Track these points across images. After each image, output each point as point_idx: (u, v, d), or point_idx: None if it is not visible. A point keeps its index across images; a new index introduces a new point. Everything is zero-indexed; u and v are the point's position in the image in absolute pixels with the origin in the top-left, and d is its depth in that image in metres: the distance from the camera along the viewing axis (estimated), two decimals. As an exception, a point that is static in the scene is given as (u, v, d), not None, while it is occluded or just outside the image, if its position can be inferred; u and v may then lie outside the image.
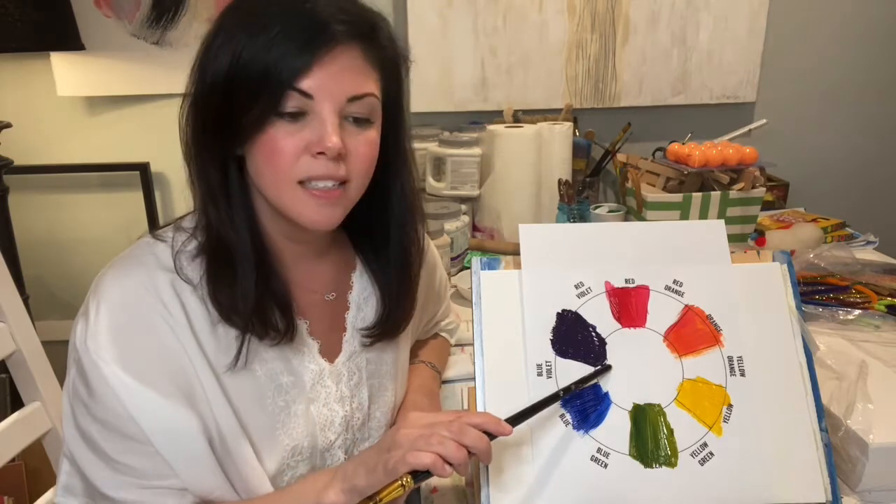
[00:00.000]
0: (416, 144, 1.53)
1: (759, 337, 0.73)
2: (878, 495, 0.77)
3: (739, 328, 0.73)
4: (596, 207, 1.51)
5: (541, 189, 1.53)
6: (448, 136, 1.54)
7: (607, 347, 0.72)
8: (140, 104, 1.74)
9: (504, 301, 0.74)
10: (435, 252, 0.94)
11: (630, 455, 0.68)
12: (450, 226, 1.38)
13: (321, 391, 0.73)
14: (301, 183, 0.64)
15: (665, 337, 0.73)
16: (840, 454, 0.78)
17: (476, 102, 1.76)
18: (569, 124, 1.55)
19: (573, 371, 0.71)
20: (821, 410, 0.70)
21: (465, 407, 0.93)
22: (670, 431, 0.69)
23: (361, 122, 0.65)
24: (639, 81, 1.77)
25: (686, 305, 0.74)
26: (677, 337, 0.73)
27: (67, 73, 1.68)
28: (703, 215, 1.37)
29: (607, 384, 0.71)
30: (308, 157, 0.63)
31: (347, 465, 0.63)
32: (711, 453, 0.68)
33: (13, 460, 1.34)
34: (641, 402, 0.70)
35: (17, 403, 0.92)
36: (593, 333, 0.73)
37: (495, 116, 1.71)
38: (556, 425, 0.69)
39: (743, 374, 0.71)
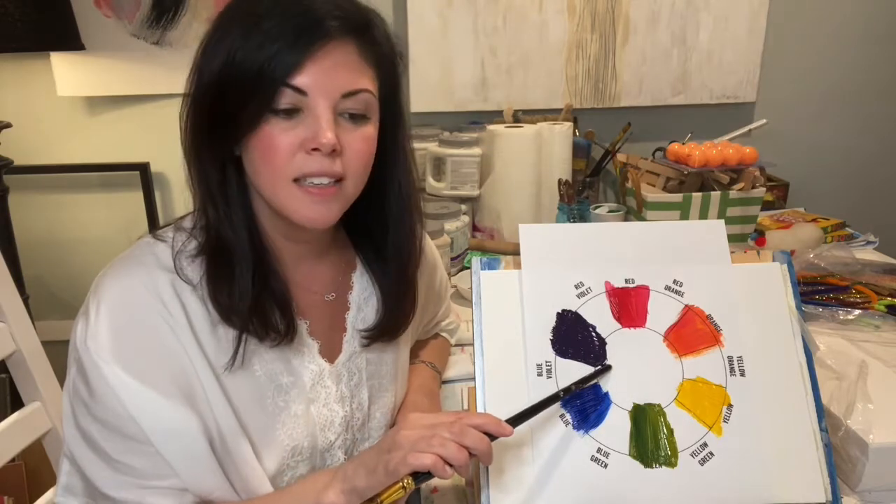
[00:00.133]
0: (416, 144, 1.53)
1: (759, 337, 0.73)
2: (878, 495, 0.77)
3: (739, 328, 0.73)
4: (596, 207, 1.51)
5: (541, 189, 1.53)
6: (448, 136, 1.54)
7: (607, 347, 0.72)
8: (140, 104, 1.74)
9: (504, 301, 0.74)
10: (435, 252, 0.94)
11: (630, 455, 0.68)
12: (450, 226, 1.38)
13: (321, 391, 0.73)
14: (297, 181, 0.64)
15: (665, 337, 0.73)
16: (840, 454, 0.78)
17: (476, 102, 1.76)
18: (569, 124, 1.55)
19: (573, 371, 0.71)
20: (821, 410, 0.70)
21: (465, 407, 0.93)
22: (670, 431, 0.69)
23: (357, 118, 0.65)
24: (639, 81, 1.77)
25: (686, 305, 0.74)
26: (677, 337, 0.73)
27: (67, 73, 1.68)
28: (703, 215, 1.37)
29: (607, 384, 0.71)
30: (303, 154, 0.63)
31: (347, 466, 0.63)
32: (711, 453, 0.68)
33: (13, 460, 1.34)
34: (641, 402, 0.70)
35: (17, 403, 0.92)
36: (593, 333, 0.73)
37: (495, 116, 1.71)
38: (556, 425, 0.69)
39: (743, 374, 0.71)
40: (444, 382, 1.00)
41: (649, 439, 0.68)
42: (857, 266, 1.20)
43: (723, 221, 0.78)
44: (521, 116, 1.69)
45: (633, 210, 1.47)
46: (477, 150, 1.50)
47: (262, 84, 0.61)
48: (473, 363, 0.73)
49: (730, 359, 0.72)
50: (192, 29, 1.66)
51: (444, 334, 1.05)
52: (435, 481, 0.79)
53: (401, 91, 0.72)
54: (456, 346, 1.08)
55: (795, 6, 1.78)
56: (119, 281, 0.64)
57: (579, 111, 1.77)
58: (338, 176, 0.65)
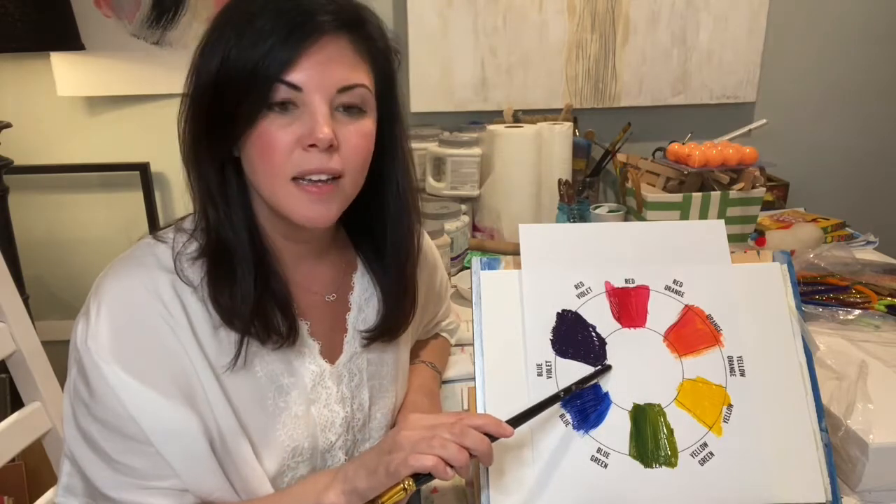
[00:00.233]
0: (416, 144, 1.53)
1: (759, 337, 0.73)
2: (878, 495, 0.77)
3: (739, 328, 0.73)
4: (596, 207, 1.51)
5: (541, 189, 1.53)
6: (448, 136, 1.54)
7: (607, 347, 0.72)
8: (140, 104, 1.74)
9: (504, 301, 0.74)
10: (436, 252, 0.94)
11: (630, 455, 0.68)
12: (450, 226, 1.38)
13: (322, 392, 0.73)
14: (295, 179, 0.63)
15: (665, 337, 0.73)
16: (840, 454, 0.78)
17: (476, 102, 1.76)
18: (569, 124, 1.55)
19: (573, 371, 0.71)
20: (821, 410, 0.70)
21: (465, 407, 0.93)
22: (670, 431, 0.69)
23: (354, 112, 0.65)
24: (639, 81, 1.77)
25: (686, 305, 0.74)
26: (677, 337, 0.73)
27: (67, 73, 1.68)
28: (703, 215, 1.37)
29: (607, 384, 0.71)
30: (301, 151, 0.62)
31: (348, 467, 0.63)
32: (711, 453, 0.68)
33: (13, 460, 1.34)
34: (641, 402, 0.70)
35: (17, 403, 0.92)
36: (593, 333, 0.73)
37: (495, 116, 1.71)
38: (556, 425, 0.69)
39: (743, 374, 0.71)
40: (444, 382, 1.00)
41: (649, 439, 0.68)
42: (857, 266, 1.20)
43: (723, 221, 0.78)
44: (521, 116, 1.69)
45: (633, 210, 1.47)
46: (477, 150, 1.50)
47: (257, 81, 0.61)
48: (473, 363, 0.73)
49: (730, 359, 0.72)
50: (192, 29, 1.66)
51: (444, 334, 1.05)
52: (435, 481, 0.79)
53: (397, 87, 0.72)
54: (456, 346, 1.08)
55: (795, 6, 1.78)
56: (119, 281, 0.64)
57: (579, 111, 1.77)
58: (336, 173, 0.64)
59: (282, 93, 0.61)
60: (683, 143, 1.46)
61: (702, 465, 0.68)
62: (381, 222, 0.75)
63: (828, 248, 1.25)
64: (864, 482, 0.76)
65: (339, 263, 0.78)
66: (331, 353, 0.75)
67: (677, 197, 1.38)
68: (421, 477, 0.57)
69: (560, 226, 0.81)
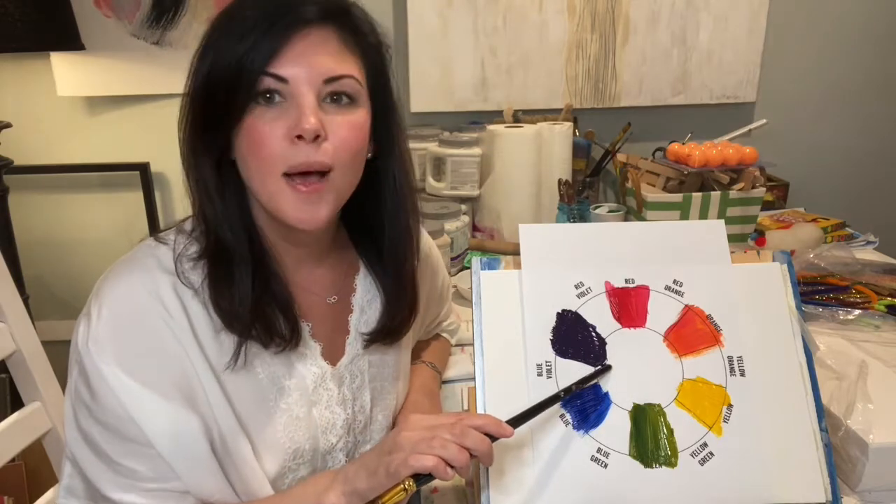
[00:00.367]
0: (416, 144, 1.53)
1: (759, 337, 0.73)
2: (878, 495, 0.77)
3: (739, 328, 0.73)
4: (596, 207, 1.51)
5: (541, 189, 1.53)
6: (448, 136, 1.54)
7: (607, 347, 0.72)
8: (140, 104, 1.74)
9: (504, 301, 0.74)
10: (437, 253, 0.94)
11: (630, 455, 0.68)
12: (450, 226, 1.38)
13: (323, 394, 0.73)
14: (286, 176, 0.63)
15: (665, 337, 0.73)
16: (840, 454, 0.78)
17: (476, 102, 1.76)
18: (569, 124, 1.55)
19: (573, 371, 0.71)
20: (821, 410, 0.70)
21: (465, 407, 0.93)
22: (670, 431, 0.69)
23: (343, 103, 0.64)
24: (639, 81, 1.77)
25: (686, 305, 0.74)
26: (677, 337, 0.73)
27: (67, 73, 1.68)
28: (703, 215, 1.37)
29: (607, 384, 0.71)
30: (289, 146, 0.62)
31: (348, 468, 0.63)
32: (711, 453, 0.68)
33: (13, 460, 1.34)
34: (641, 402, 0.70)
35: (17, 403, 0.92)
36: (593, 333, 0.73)
37: (495, 116, 1.71)
38: (556, 425, 0.69)
39: (743, 374, 0.71)
40: (444, 382, 1.00)
41: (649, 439, 0.68)
42: (857, 266, 1.20)
43: (723, 221, 0.78)
44: (521, 116, 1.69)
45: (633, 210, 1.47)
46: (477, 150, 1.50)
47: (243, 75, 0.61)
48: (473, 363, 0.73)
49: (730, 359, 0.72)
50: (192, 29, 1.66)
51: (444, 335, 1.05)
52: (435, 481, 0.79)
53: (390, 82, 0.71)
54: (456, 346, 1.08)
55: (795, 6, 1.78)
56: (120, 283, 0.64)
57: (579, 111, 1.77)
58: (324, 167, 0.63)
59: (267, 85, 0.61)
60: (683, 143, 1.46)
61: (702, 465, 0.68)
62: (378, 221, 0.75)
63: (828, 248, 1.25)
64: (864, 482, 0.76)
65: (340, 265, 0.78)
66: (332, 354, 0.75)
67: (677, 197, 1.38)
68: (421, 477, 0.57)
69: (560, 226, 0.81)
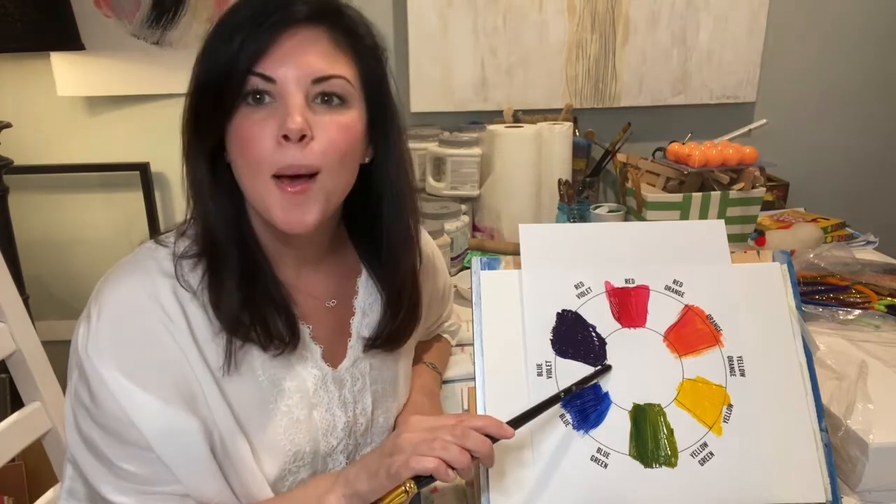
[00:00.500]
0: (416, 144, 1.53)
1: (759, 337, 0.73)
2: (878, 495, 0.77)
3: (739, 328, 0.73)
4: (596, 207, 1.51)
5: (541, 189, 1.53)
6: (448, 136, 1.54)
7: (607, 347, 0.72)
8: (140, 104, 1.74)
9: (504, 301, 0.74)
10: (439, 254, 0.94)
11: (630, 455, 0.68)
12: (450, 226, 1.38)
13: (324, 396, 0.73)
14: (275, 178, 0.62)
15: (665, 337, 0.73)
16: (840, 454, 0.78)
17: (476, 102, 1.76)
18: (569, 124, 1.55)
19: (573, 371, 0.71)
20: (821, 410, 0.70)
21: (465, 407, 0.93)
22: (670, 431, 0.69)
23: (333, 105, 0.64)
24: (639, 81, 1.77)
25: (686, 305, 0.74)
26: (677, 337, 0.73)
27: (67, 73, 1.68)
28: (703, 215, 1.37)
29: (607, 384, 0.71)
30: (277, 147, 0.61)
31: (349, 470, 0.62)
32: (711, 453, 0.68)
33: (13, 460, 1.34)
34: (641, 402, 0.70)
35: (17, 403, 0.92)
36: (593, 333, 0.73)
37: (495, 116, 1.71)
38: (556, 426, 0.69)
39: (743, 374, 0.71)
40: (445, 382, 1.00)
41: (649, 439, 0.68)
42: (857, 266, 1.20)
43: (723, 221, 0.78)
44: (521, 116, 1.69)
45: (633, 210, 1.47)
46: (477, 150, 1.50)
47: (231, 75, 0.60)
48: (473, 363, 0.72)
49: (730, 359, 0.72)
50: (192, 29, 1.66)
51: (445, 335, 1.05)
52: (435, 481, 0.79)
53: (387, 85, 0.70)
54: (456, 346, 1.08)
55: (795, 6, 1.78)
56: (120, 287, 0.64)
57: (579, 111, 1.77)
58: (311, 169, 0.62)
59: (255, 85, 0.61)
60: (683, 143, 1.46)
61: (702, 465, 0.68)
62: (378, 224, 0.74)
63: (828, 248, 1.25)
64: (864, 482, 0.76)
65: (341, 268, 0.78)
66: (333, 357, 0.75)
67: (677, 197, 1.38)
68: (422, 479, 0.57)
69: (560, 226, 0.81)
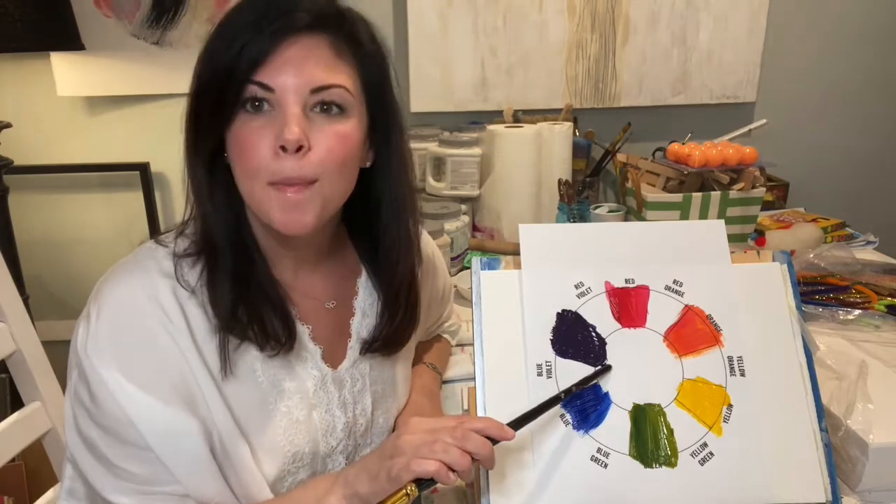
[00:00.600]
0: (416, 144, 1.53)
1: (759, 337, 0.73)
2: (878, 495, 0.77)
3: (739, 328, 0.73)
4: (596, 207, 1.51)
5: (541, 189, 1.53)
6: (448, 136, 1.54)
7: (607, 347, 0.72)
8: (140, 104, 1.74)
9: (504, 301, 0.74)
10: (439, 255, 0.94)
11: (630, 455, 0.68)
12: (450, 226, 1.38)
13: (323, 397, 0.73)
14: (272, 184, 0.62)
15: (665, 337, 0.73)
16: (840, 454, 0.78)
17: (476, 102, 1.75)
18: (569, 124, 1.55)
19: (573, 371, 0.71)
20: (821, 410, 0.70)
21: (465, 407, 0.93)
22: (670, 431, 0.69)
23: (332, 113, 0.63)
24: (639, 81, 1.77)
25: (686, 305, 0.74)
26: (677, 337, 0.73)
27: (67, 73, 1.68)
28: (703, 215, 1.37)
29: (607, 384, 0.71)
30: (274, 157, 0.61)
31: (349, 471, 0.62)
32: (711, 453, 0.68)
33: (13, 460, 1.34)
34: (641, 402, 0.70)
35: (17, 403, 0.92)
36: (593, 333, 0.73)
37: (495, 116, 1.71)
38: (556, 426, 0.69)
39: (743, 374, 0.71)
40: (444, 382, 1.00)
41: (649, 439, 0.68)
42: (857, 266, 1.20)
43: (723, 221, 0.78)
44: (521, 116, 1.69)
45: (633, 210, 1.47)
46: (477, 150, 1.50)
47: (231, 82, 0.60)
48: (473, 363, 0.72)
49: (730, 359, 0.72)
50: (192, 29, 1.66)
51: (445, 336, 1.05)
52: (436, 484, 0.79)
53: (390, 92, 0.69)
54: (456, 346, 1.08)
55: (795, 6, 1.78)
56: (119, 287, 0.64)
57: (579, 111, 1.77)
58: (308, 179, 0.62)
59: (253, 92, 0.61)
60: (683, 143, 1.46)
61: (702, 465, 0.68)
62: (378, 227, 0.74)
63: (828, 248, 1.25)
64: (864, 482, 0.76)
65: (341, 268, 0.78)
66: (333, 357, 0.75)
67: (677, 197, 1.38)
68: (423, 481, 0.57)
69: (560, 226, 0.81)
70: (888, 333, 1.05)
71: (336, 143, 0.63)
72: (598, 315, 0.74)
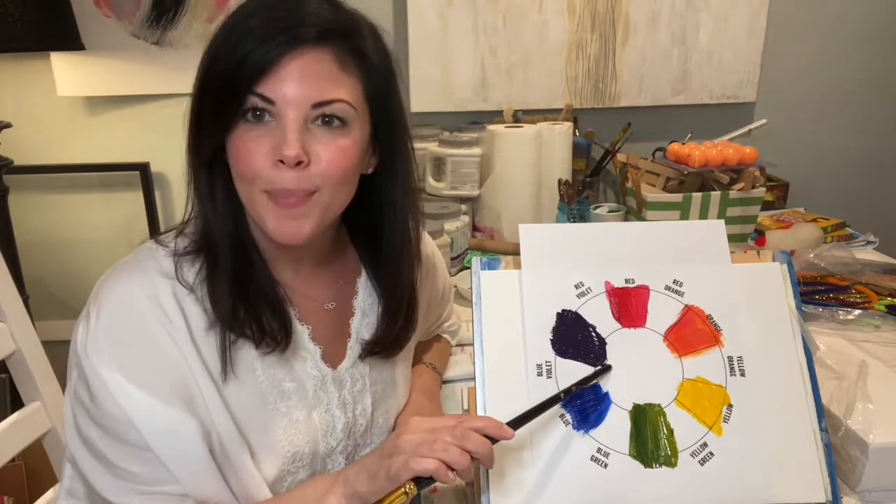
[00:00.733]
0: (417, 144, 1.52)
1: (759, 337, 0.73)
2: (878, 495, 0.77)
3: (739, 328, 0.73)
4: (596, 207, 1.51)
5: (541, 189, 1.53)
6: (448, 136, 1.54)
7: (607, 347, 0.72)
8: (140, 104, 1.74)
9: (504, 301, 0.74)
10: (438, 255, 0.94)
11: (630, 455, 0.68)
12: (450, 226, 1.38)
13: (323, 397, 0.73)
14: (268, 192, 0.62)
15: (665, 337, 0.73)
16: (840, 454, 0.78)
17: (476, 102, 1.75)
18: (569, 124, 1.55)
19: (573, 371, 0.71)
20: (821, 410, 0.70)
21: (465, 407, 0.93)
22: (670, 431, 0.69)
23: (334, 126, 0.63)
24: (639, 81, 1.77)
25: (686, 305, 0.74)
26: (677, 337, 0.73)
27: (67, 73, 1.68)
28: (703, 215, 1.37)
29: (607, 384, 0.71)
30: (273, 168, 0.61)
31: (349, 471, 0.62)
32: (711, 453, 0.68)
33: (13, 460, 1.34)
34: (641, 402, 0.70)
35: (17, 403, 0.92)
36: (593, 333, 0.73)
37: (495, 116, 1.71)
38: (556, 426, 0.69)
39: (743, 374, 0.71)
40: (444, 382, 1.00)
41: (649, 439, 0.68)
42: (857, 266, 1.20)
43: (723, 221, 0.78)
44: (521, 116, 1.69)
45: (633, 210, 1.47)
46: (477, 150, 1.50)
47: (233, 90, 0.60)
48: (473, 363, 0.72)
49: (730, 359, 0.72)
50: (192, 29, 1.66)
51: (445, 336, 1.05)
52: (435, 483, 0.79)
53: (395, 102, 0.69)
54: (456, 346, 1.08)
55: (795, 6, 1.78)
56: (119, 287, 0.64)
57: (579, 111, 1.77)
58: (307, 191, 0.63)
59: (254, 104, 0.60)
60: (683, 143, 1.46)
61: (702, 465, 0.68)
62: (379, 231, 0.74)
63: (828, 248, 1.25)
64: (864, 482, 0.76)
65: (340, 269, 0.78)
66: (333, 358, 0.75)
67: (677, 197, 1.38)
68: (422, 480, 0.57)
69: (560, 226, 0.81)
70: (888, 333, 1.05)
71: (337, 155, 0.63)
72: (598, 315, 0.74)
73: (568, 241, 0.77)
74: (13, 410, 0.89)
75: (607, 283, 0.75)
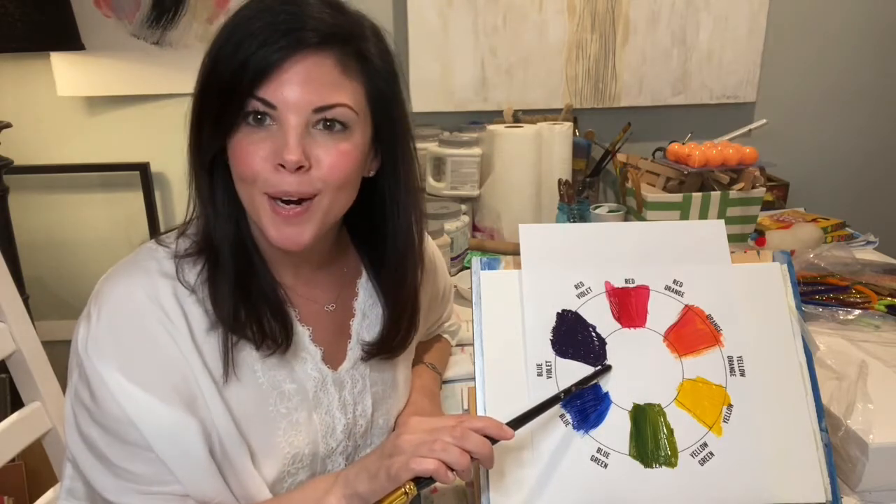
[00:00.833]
0: (417, 144, 1.53)
1: (759, 337, 0.73)
2: (878, 495, 0.77)
3: (739, 328, 0.73)
4: (596, 207, 1.51)
5: (541, 189, 1.53)
6: (448, 136, 1.54)
7: (607, 347, 0.72)
8: (140, 104, 1.74)
9: (504, 301, 0.74)
10: (439, 255, 0.94)
11: (630, 455, 0.68)
12: (450, 226, 1.38)
13: (323, 398, 0.73)
14: (269, 195, 0.62)
15: (665, 337, 0.73)
16: (840, 454, 0.78)
17: (476, 102, 1.75)
18: (569, 124, 1.55)
19: (573, 371, 0.71)
20: (821, 410, 0.70)
21: (465, 407, 0.93)
22: (670, 431, 0.69)
23: (335, 131, 0.63)
24: (639, 81, 1.77)
25: (686, 305, 0.74)
26: (677, 337, 0.73)
27: (67, 73, 1.68)
28: (703, 215, 1.37)
29: (607, 384, 0.71)
30: (273, 172, 0.61)
31: (349, 471, 0.62)
32: (711, 453, 0.68)
33: (13, 460, 1.34)
34: (641, 402, 0.70)
35: (17, 403, 0.92)
36: (593, 333, 0.73)
37: (495, 116, 1.71)
38: (556, 426, 0.69)
39: (743, 374, 0.71)
40: (445, 382, 1.00)
41: (649, 439, 0.68)
42: (857, 266, 1.20)
43: (723, 221, 0.78)
44: (521, 116, 1.69)
45: (633, 210, 1.47)
46: (477, 150, 1.50)
47: (234, 93, 0.60)
48: (473, 363, 0.72)
49: (730, 359, 0.72)
50: (192, 29, 1.66)
51: (445, 336, 1.05)
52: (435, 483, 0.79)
53: (398, 105, 0.69)
54: (456, 346, 1.08)
55: (795, 6, 1.78)
56: (120, 287, 0.64)
57: (579, 111, 1.77)
58: (308, 195, 0.62)
59: (255, 107, 0.60)
60: (683, 143, 1.46)
61: (702, 465, 0.68)
62: (381, 233, 0.74)
63: (828, 248, 1.25)
64: (864, 482, 0.76)
65: (341, 271, 0.77)
66: (333, 359, 0.75)
67: (677, 197, 1.38)
68: (422, 480, 0.57)
69: (560, 226, 0.81)
70: (888, 333, 1.05)
71: (338, 160, 0.63)
72: (598, 315, 0.74)
73: (568, 241, 0.77)
74: (13, 410, 0.89)
75: (607, 283, 0.75)
